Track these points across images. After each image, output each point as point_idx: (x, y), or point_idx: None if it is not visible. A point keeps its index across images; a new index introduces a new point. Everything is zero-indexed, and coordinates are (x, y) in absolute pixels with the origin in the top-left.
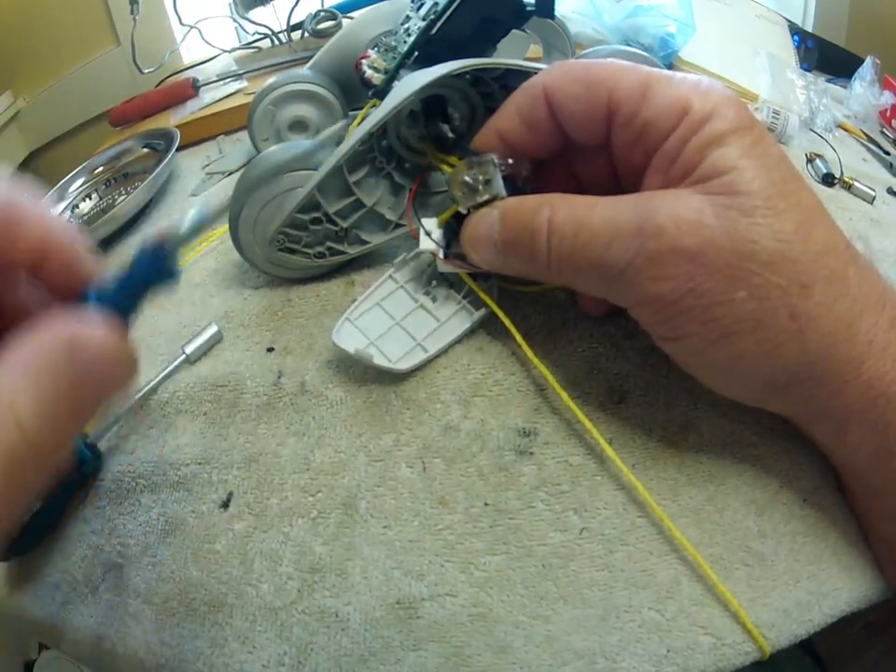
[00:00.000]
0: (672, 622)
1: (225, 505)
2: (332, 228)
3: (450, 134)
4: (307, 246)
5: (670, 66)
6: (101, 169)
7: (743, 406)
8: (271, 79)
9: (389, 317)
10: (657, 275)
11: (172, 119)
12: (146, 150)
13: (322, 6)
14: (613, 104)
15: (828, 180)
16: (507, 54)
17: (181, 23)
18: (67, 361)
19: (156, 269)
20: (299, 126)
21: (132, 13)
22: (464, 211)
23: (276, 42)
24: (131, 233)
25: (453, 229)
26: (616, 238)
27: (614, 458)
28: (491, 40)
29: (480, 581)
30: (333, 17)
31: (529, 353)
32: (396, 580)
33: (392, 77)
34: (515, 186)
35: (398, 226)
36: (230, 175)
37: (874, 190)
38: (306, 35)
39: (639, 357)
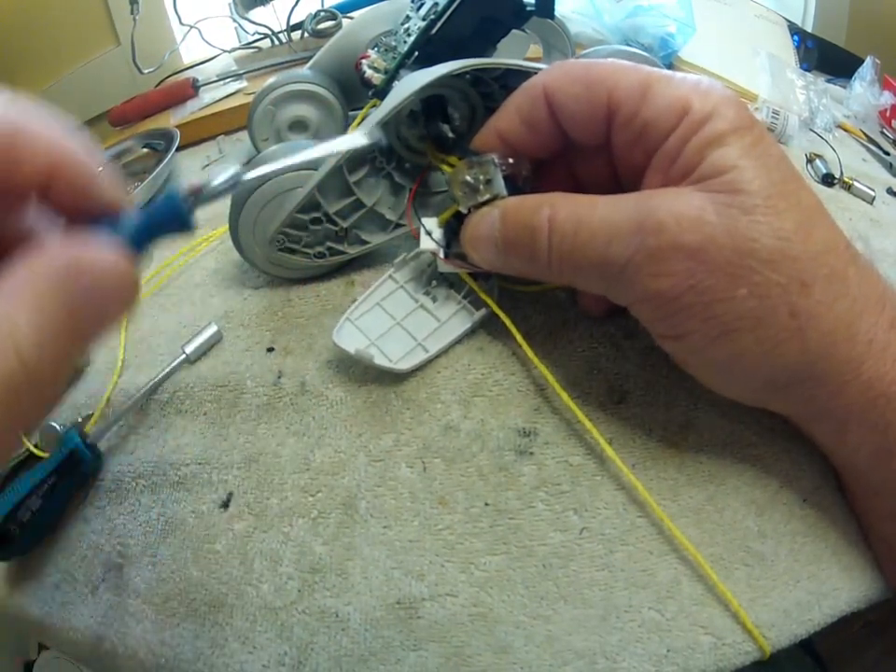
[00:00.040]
0: (672, 621)
1: (225, 505)
2: (332, 228)
3: (450, 134)
4: (307, 246)
5: (670, 66)
6: (101, 169)
7: (743, 406)
8: (271, 79)
9: (390, 317)
10: (658, 271)
11: (172, 119)
12: (146, 150)
13: (322, 6)
14: (613, 104)
15: (828, 180)
16: (507, 54)
17: (181, 23)
18: (69, 286)
19: (176, 215)
20: (299, 126)
21: (132, 13)
22: (464, 211)
23: (276, 42)
24: None
25: (453, 228)
26: (617, 235)
27: (614, 458)
28: (491, 40)
29: (480, 581)
30: (333, 17)
31: (529, 353)
32: (396, 580)
33: (392, 76)
34: (515, 186)
35: (398, 226)
36: None
37: (873, 191)
38: (306, 35)
39: (639, 357)
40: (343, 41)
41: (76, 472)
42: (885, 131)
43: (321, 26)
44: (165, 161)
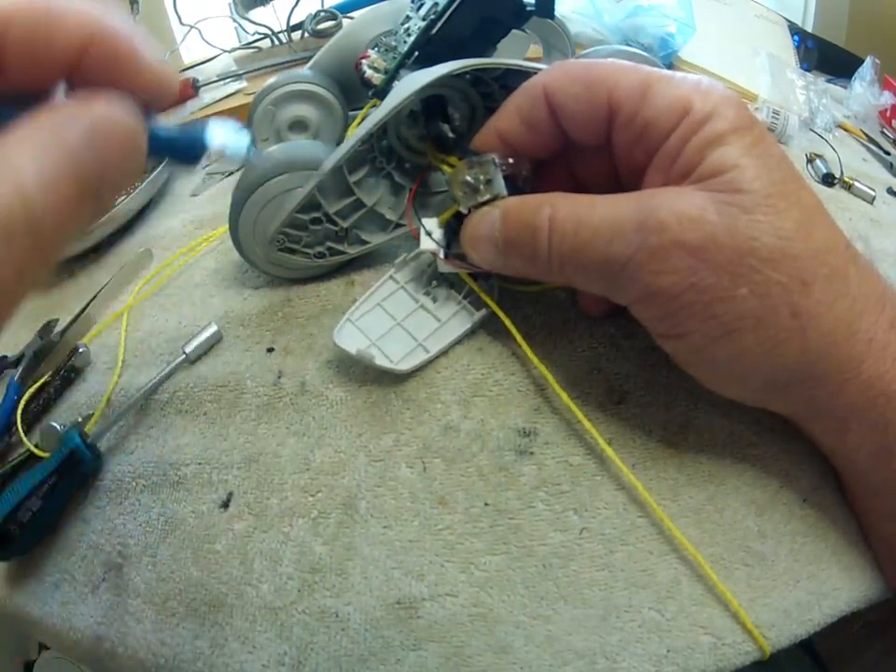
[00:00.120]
0: (672, 622)
1: (225, 505)
2: (332, 228)
3: (450, 134)
4: (307, 246)
5: (670, 66)
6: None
7: (743, 406)
8: (271, 79)
9: (390, 318)
10: (659, 269)
11: (172, 120)
12: None
13: (322, 6)
14: (613, 104)
15: (828, 180)
16: (507, 54)
17: (181, 23)
18: (83, 136)
19: (196, 146)
20: (299, 126)
21: (132, 13)
22: (465, 211)
23: (276, 42)
24: (130, 234)
25: (453, 229)
26: (617, 234)
27: (614, 458)
28: (491, 40)
29: (480, 581)
30: (333, 17)
31: (529, 353)
32: (396, 580)
33: (392, 76)
34: (515, 186)
35: (398, 226)
36: (230, 175)
37: (874, 190)
38: (306, 35)
39: (639, 357)
40: (343, 41)
41: (76, 472)
42: (885, 130)
43: (321, 26)
44: (165, 162)
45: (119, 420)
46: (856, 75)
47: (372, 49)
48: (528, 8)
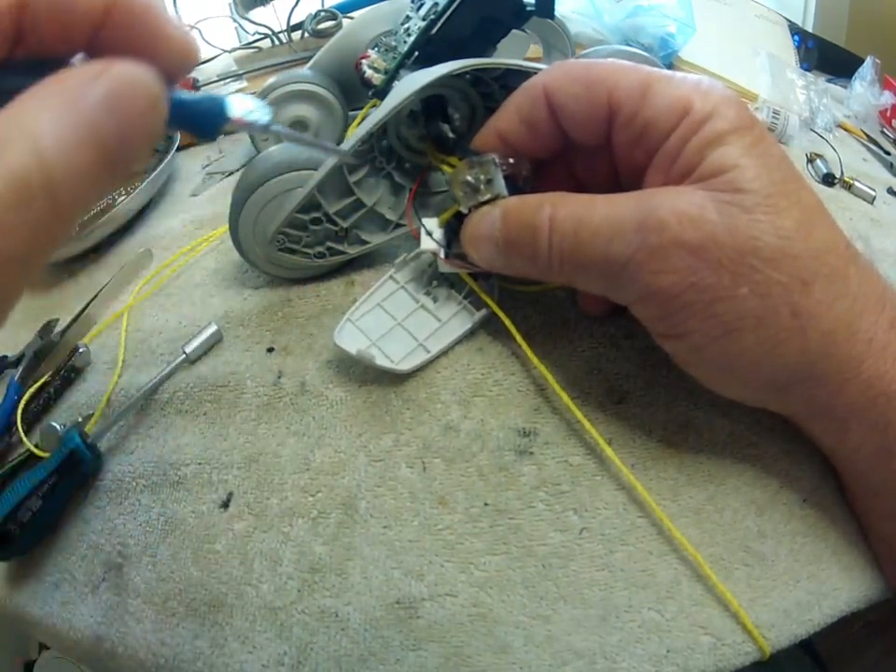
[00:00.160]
0: (672, 622)
1: (225, 505)
2: (332, 228)
3: (450, 134)
4: (307, 246)
5: (670, 66)
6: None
7: (743, 406)
8: (271, 79)
9: (390, 318)
10: (659, 268)
11: None
12: None
13: (322, 6)
14: (614, 104)
15: (828, 180)
16: (507, 54)
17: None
18: (104, 99)
19: (217, 115)
20: (299, 126)
21: None
22: (465, 210)
23: (276, 42)
24: (130, 234)
25: (453, 228)
26: (618, 234)
27: (614, 458)
28: (491, 40)
29: (480, 581)
30: (333, 17)
31: (529, 353)
32: (396, 580)
33: (392, 76)
34: (516, 185)
35: (398, 226)
36: (230, 175)
37: (874, 190)
38: (306, 35)
39: (639, 357)
40: (343, 41)
41: (76, 472)
42: (885, 130)
43: (321, 26)
44: (165, 162)
45: (120, 420)
46: (856, 75)
47: (372, 49)
48: (528, 8)
